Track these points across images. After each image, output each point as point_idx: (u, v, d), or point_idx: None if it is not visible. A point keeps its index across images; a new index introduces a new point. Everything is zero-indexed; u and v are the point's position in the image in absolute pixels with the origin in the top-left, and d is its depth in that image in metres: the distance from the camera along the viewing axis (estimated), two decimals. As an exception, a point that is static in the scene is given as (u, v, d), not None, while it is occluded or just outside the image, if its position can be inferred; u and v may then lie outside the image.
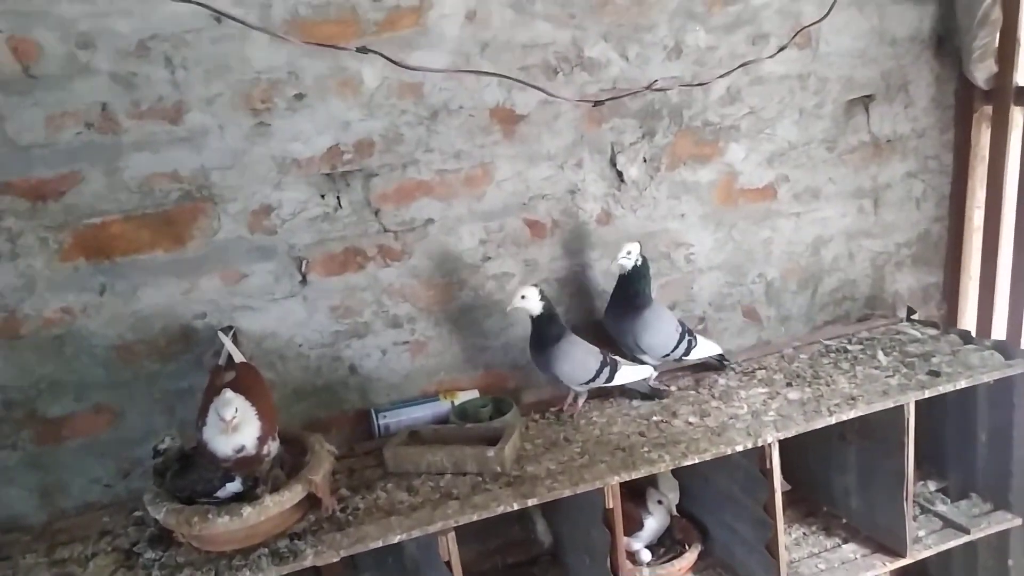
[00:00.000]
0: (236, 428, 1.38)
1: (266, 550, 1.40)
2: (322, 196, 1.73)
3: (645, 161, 1.95)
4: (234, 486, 1.42)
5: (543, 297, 1.74)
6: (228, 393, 1.40)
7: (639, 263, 1.82)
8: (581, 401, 1.85)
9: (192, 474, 1.42)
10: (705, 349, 1.94)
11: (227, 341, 1.58)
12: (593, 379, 1.80)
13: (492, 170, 1.84)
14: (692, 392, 1.88)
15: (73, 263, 1.59)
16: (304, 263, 1.75)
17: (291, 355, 1.79)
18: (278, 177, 1.69)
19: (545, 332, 1.77)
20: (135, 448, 1.71)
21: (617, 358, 1.85)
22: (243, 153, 1.65)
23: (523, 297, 1.72)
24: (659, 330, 1.87)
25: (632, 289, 1.85)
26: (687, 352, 1.90)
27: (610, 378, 1.81)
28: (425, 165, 1.79)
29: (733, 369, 1.97)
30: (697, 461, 1.60)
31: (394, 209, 1.79)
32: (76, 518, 1.65)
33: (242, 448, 1.40)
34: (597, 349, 1.83)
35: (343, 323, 1.81)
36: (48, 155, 1.54)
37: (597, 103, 1.79)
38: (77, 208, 1.57)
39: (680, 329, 1.89)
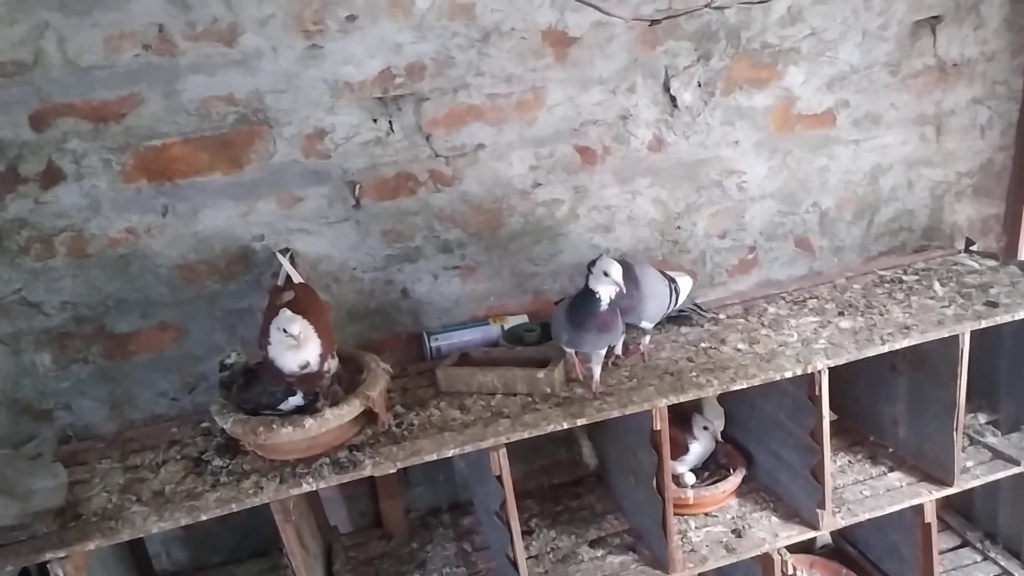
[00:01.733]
0: (301, 344, 1.43)
1: (327, 459, 1.47)
2: (374, 120, 1.74)
3: (699, 85, 1.91)
4: (296, 400, 1.47)
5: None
6: (289, 312, 1.44)
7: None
8: (647, 341, 1.74)
9: (256, 388, 1.48)
10: (684, 284, 1.79)
11: (285, 262, 1.62)
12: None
13: (543, 95, 1.82)
14: (741, 320, 1.88)
15: (136, 184, 1.63)
16: (357, 187, 1.77)
17: (345, 278, 1.83)
18: (331, 101, 1.70)
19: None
20: (199, 364, 1.79)
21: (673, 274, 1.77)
22: (296, 76, 1.66)
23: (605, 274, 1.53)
24: (656, 291, 1.70)
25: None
26: (675, 300, 1.76)
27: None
28: (476, 89, 1.77)
29: (715, 318, 1.93)
30: (745, 386, 1.61)
31: (445, 134, 1.79)
32: (145, 428, 1.74)
33: (306, 364, 1.45)
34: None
35: (395, 247, 1.84)
36: (108, 77, 1.56)
37: (653, 22, 1.75)
38: (137, 130, 1.60)
39: (665, 280, 1.74)
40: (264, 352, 1.46)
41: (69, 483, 1.47)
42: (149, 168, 1.63)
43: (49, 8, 1.49)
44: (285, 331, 1.42)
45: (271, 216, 1.74)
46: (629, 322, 1.68)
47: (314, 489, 1.44)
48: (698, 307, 1.93)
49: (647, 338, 1.75)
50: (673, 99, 1.90)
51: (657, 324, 1.77)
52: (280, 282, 1.62)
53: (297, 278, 1.61)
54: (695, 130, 1.94)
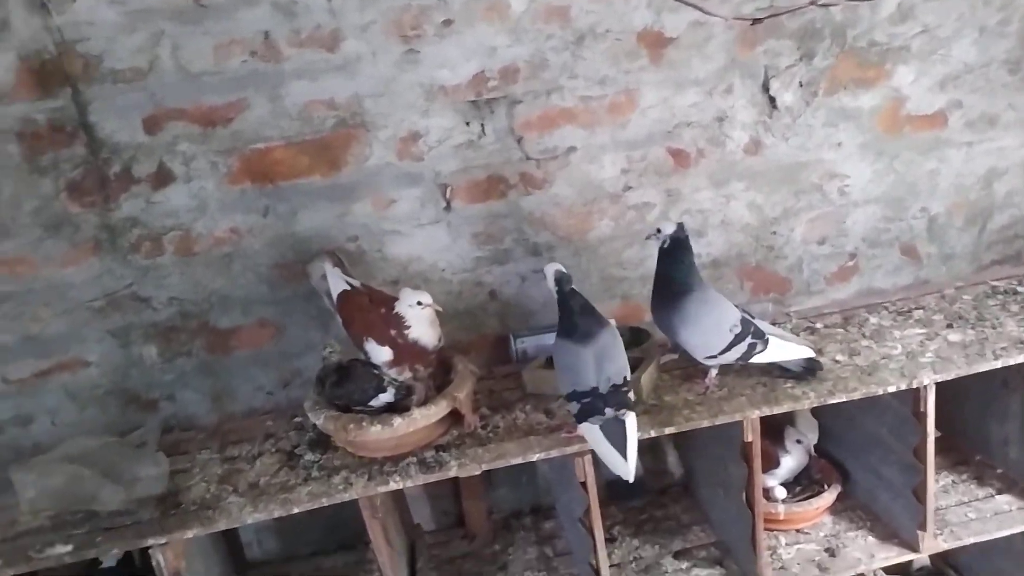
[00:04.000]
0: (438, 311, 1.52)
1: (414, 459, 1.49)
2: (467, 123, 1.75)
3: (801, 86, 1.84)
4: (386, 396, 1.51)
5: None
6: (408, 288, 1.55)
7: (679, 238, 1.55)
8: (713, 375, 1.62)
9: (349, 384, 1.52)
10: (780, 352, 1.57)
11: (336, 273, 1.63)
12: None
13: (637, 97, 1.79)
14: (840, 330, 1.81)
15: (240, 186, 1.70)
16: (449, 190, 1.79)
17: (435, 279, 1.85)
18: (426, 104, 1.72)
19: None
20: (294, 360, 1.84)
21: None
22: (393, 80, 1.69)
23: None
24: (701, 326, 1.56)
25: (668, 272, 1.58)
26: (746, 356, 1.56)
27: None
28: (569, 92, 1.76)
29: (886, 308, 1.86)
30: (845, 400, 1.55)
31: (537, 136, 1.79)
32: (243, 421, 1.81)
33: (441, 337, 1.54)
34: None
35: (484, 249, 1.85)
36: (217, 83, 1.63)
37: (754, 21, 1.69)
38: (243, 134, 1.67)
39: (736, 326, 1.55)
40: (403, 339, 1.51)
41: (171, 472, 1.54)
42: (253, 170, 1.69)
43: (165, 17, 1.57)
44: (420, 303, 1.49)
45: (365, 218, 1.77)
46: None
47: (401, 488, 1.46)
48: (814, 362, 1.61)
49: (712, 371, 1.64)
50: (772, 100, 1.84)
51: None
52: (341, 289, 1.61)
53: (355, 281, 1.63)
54: (795, 132, 1.88)
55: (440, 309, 1.55)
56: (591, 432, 1.41)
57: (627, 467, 1.37)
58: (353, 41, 1.64)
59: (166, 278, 1.73)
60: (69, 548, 1.37)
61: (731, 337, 1.56)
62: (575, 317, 1.46)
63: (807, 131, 1.89)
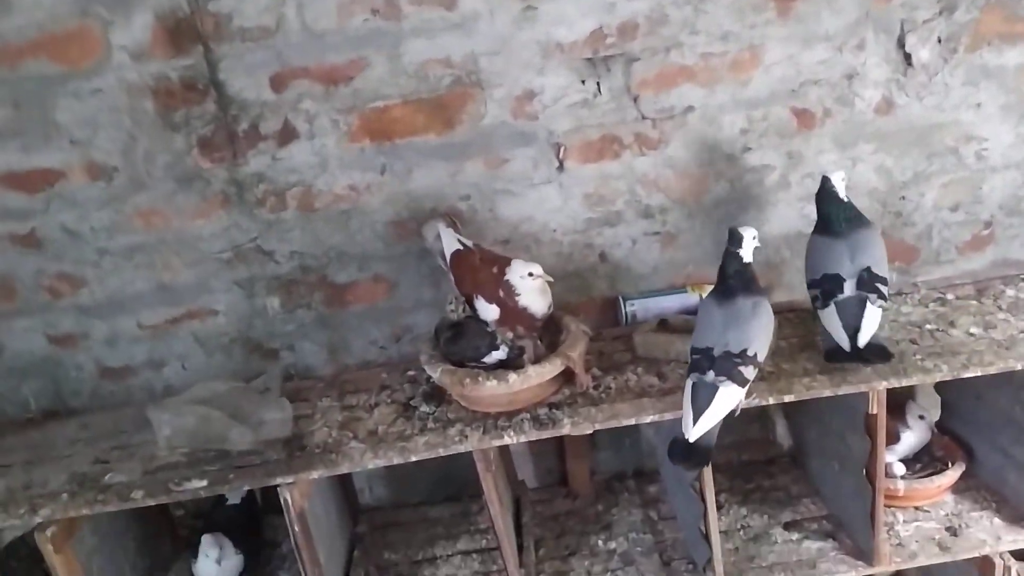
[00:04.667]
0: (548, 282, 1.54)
1: (527, 415, 1.50)
2: (582, 82, 1.73)
3: (940, 41, 1.73)
4: (499, 354, 1.52)
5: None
6: (519, 260, 1.55)
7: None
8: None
9: (463, 340, 1.54)
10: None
11: (449, 233, 1.65)
12: None
13: (761, 53, 1.72)
14: (973, 302, 1.71)
15: (359, 144, 1.73)
16: (561, 149, 1.77)
17: (545, 240, 1.85)
18: (541, 62, 1.70)
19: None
20: (406, 316, 1.89)
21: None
22: (510, 38, 1.67)
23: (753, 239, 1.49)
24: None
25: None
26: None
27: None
28: (689, 48, 1.71)
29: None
30: (980, 374, 1.47)
31: (654, 96, 1.74)
32: (358, 372, 1.87)
33: (551, 305, 1.56)
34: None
35: (596, 211, 1.83)
36: (339, 41, 1.66)
37: (895, -29, 1.60)
38: (363, 92, 1.69)
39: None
40: (512, 304, 1.54)
41: (294, 417, 1.61)
42: (372, 128, 1.72)
43: (292, -23, 1.60)
44: (531, 274, 1.51)
45: (478, 177, 1.78)
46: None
47: (515, 442, 1.48)
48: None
49: None
50: (908, 57, 1.73)
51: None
52: (455, 248, 1.64)
53: (467, 241, 1.65)
54: (931, 91, 1.76)
55: (551, 280, 1.55)
56: (686, 389, 1.40)
57: (690, 430, 1.35)
58: (472, -1, 1.64)
59: (288, 232, 1.79)
60: (204, 483, 1.46)
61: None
62: (724, 277, 1.48)
63: (944, 90, 1.77)
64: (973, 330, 1.59)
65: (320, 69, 1.68)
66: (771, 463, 2.01)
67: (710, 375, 1.37)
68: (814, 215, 1.84)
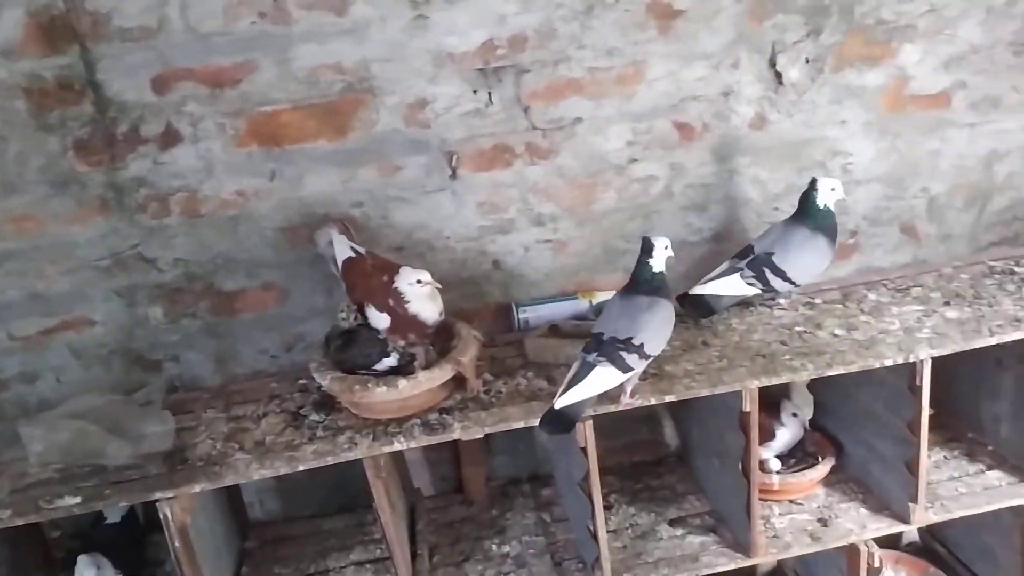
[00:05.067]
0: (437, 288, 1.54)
1: (418, 421, 1.51)
2: (474, 91, 1.75)
3: (808, 62, 1.85)
4: (390, 361, 1.53)
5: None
6: (408, 267, 1.55)
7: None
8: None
9: (354, 348, 1.54)
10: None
11: (342, 240, 1.64)
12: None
13: (644, 69, 1.80)
14: (839, 306, 1.83)
15: (247, 149, 1.70)
16: (454, 157, 1.79)
17: (439, 247, 1.86)
18: (433, 71, 1.72)
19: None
20: (298, 324, 1.86)
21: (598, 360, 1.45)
22: (402, 46, 1.69)
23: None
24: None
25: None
26: None
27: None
28: (577, 62, 1.76)
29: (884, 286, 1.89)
30: (843, 372, 1.57)
31: (544, 107, 1.79)
32: (247, 382, 1.83)
33: (442, 311, 1.56)
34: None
35: (489, 218, 1.86)
36: (225, 44, 1.62)
37: (764, -5, 1.70)
38: (251, 96, 1.67)
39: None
40: (402, 312, 1.53)
41: (177, 430, 1.56)
42: (260, 133, 1.69)
43: (174, -24, 1.56)
44: (419, 282, 1.51)
45: (371, 184, 1.78)
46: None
47: (405, 448, 1.49)
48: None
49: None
50: (779, 76, 1.85)
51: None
52: (346, 256, 1.63)
53: (360, 248, 1.65)
54: (800, 108, 1.88)
55: (440, 287, 1.56)
56: (574, 364, 1.47)
57: (558, 397, 1.42)
58: (362, 5, 1.64)
59: (172, 239, 1.74)
60: (78, 500, 1.40)
61: None
62: (635, 280, 1.56)
63: (812, 108, 1.89)
64: (837, 332, 1.70)
65: (205, 71, 1.64)
66: (659, 463, 2.09)
67: (593, 356, 1.45)
68: (697, 223, 1.95)
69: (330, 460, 1.45)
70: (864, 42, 1.86)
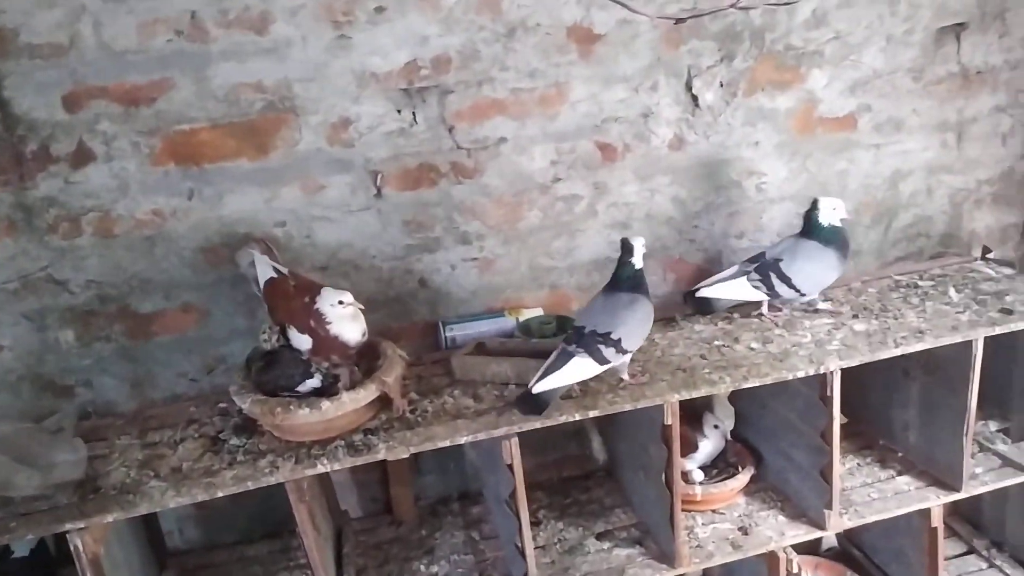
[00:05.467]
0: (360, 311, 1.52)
1: (342, 442, 1.49)
2: (398, 111, 1.76)
3: (722, 86, 1.92)
4: (313, 382, 1.51)
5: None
6: (329, 287, 1.54)
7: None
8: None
9: (275, 369, 1.51)
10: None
11: (264, 260, 1.62)
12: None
13: (566, 90, 1.84)
14: (755, 320, 1.89)
15: (164, 168, 1.67)
16: (379, 177, 1.79)
17: (365, 266, 1.85)
18: (357, 91, 1.72)
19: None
20: (219, 347, 1.82)
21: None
22: (324, 66, 1.68)
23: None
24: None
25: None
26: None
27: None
28: (500, 83, 1.79)
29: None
30: (757, 384, 1.62)
31: (468, 127, 1.81)
32: (164, 407, 1.77)
33: (365, 332, 1.54)
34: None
35: (415, 237, 1.86)
36: (141, 61, 1.60)
37: (677, 21, 1.76)
38: (168, 114, 1.64)
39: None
40: (324, 333, 1.51)
41: (89, 457, 1.51)
42: (177, 152, 1.66)
43: (86, -8, 1.53)
44: (341, 303, 1.50)
45: (294, 203, 1.76)
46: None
47: (329, 470, 1.47)
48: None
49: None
50: (695, 98, 1.91)
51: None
52: (268, 276, 1.61)
53: (283, 268, 1.63)
54: (716, 130, 1.95)
55: (362, 308, 1.55)
56: (554, 352, 1.55)
57: (536, 382, 1.49)
58: (283, 24, 1.63)
59: (84, 260, 1.68)
60: (-20, 534, 1.33)
61: None
62: (616, 278, 1.64)
63: (727, 129, 1.97)
64: (754, 345, 1.76)
65: (119, 89, 1.60)
66: (588, 477, 2.11)
67: (572, 347, 1.54)
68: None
69: (251, 485, 1.42)
70: (775, 67, 1.94)
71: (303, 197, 1.76)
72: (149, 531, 1.78)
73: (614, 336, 1.55)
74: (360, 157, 1.77)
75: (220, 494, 1.41)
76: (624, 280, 1.63)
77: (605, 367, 1.55)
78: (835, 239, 1.82)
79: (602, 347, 1.53)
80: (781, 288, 1.80)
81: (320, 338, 1.52)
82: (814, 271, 1.82)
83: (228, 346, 1.82)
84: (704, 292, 1.82)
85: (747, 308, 1.91)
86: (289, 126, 1.70)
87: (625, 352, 1.58)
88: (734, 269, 1.85)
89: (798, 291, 1.81)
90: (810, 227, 1.83)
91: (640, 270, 1.63)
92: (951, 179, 2.18)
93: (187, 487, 1.42)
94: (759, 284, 1.80)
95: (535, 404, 1.50)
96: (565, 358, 1.52)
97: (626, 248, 1.64)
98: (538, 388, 1.49)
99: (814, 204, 1.82)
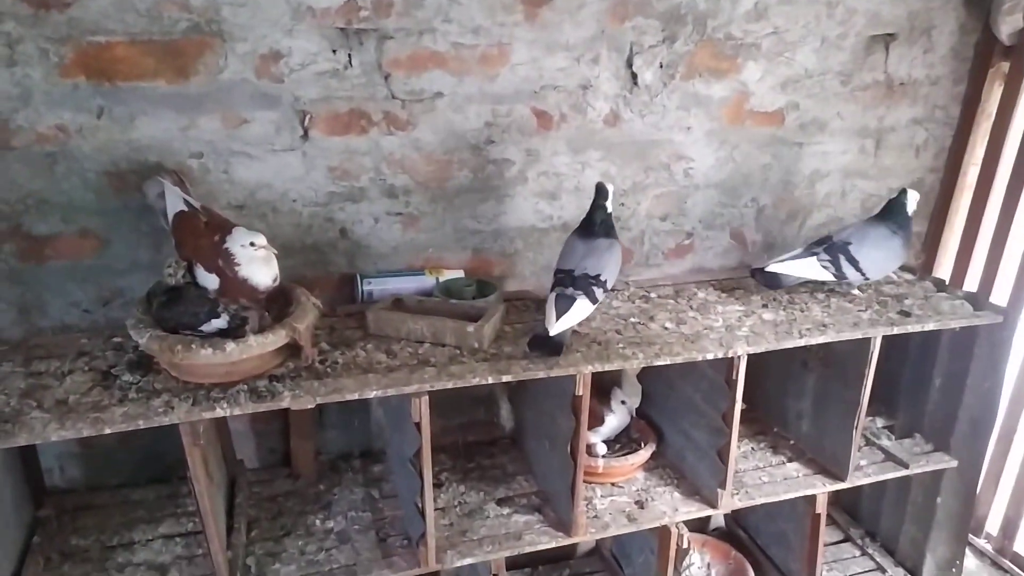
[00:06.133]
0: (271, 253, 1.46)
1: (245, 387, 1.43)
2: (333, 51, 1.69)
3: (662, 67, 1.93)
4: (219, 322, 1.44)
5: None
6: (242, 227, 1.46)
7: None
8: None
9: (179, 306, 1.44)
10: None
11: (175, 191, 1.55)
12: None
13: (509, 52, 1.80)
14: (671, 301, 1.93)
15: (73, 80, 1.55)
16: (307, 117, 1.72)
17: (284, 209, 1.78)
18: (291, 23, 1.64)
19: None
20: (117, 278, 1.72)
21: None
22: (258, -8, 1.60)
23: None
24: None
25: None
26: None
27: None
28: (442, 36, 1.74)
29: (712, 285, 2.03)
30: (669, 362, 1.65)
31: (405, 76, 1.75)
32: (53, 337, 1.67)
33: (277, 277, 1.48)
34: None
35: (339, 185, 1.80)
36: (55, -39, 1.47)
37: (626, -6, 1.75)
38: (82, 23, 1.51)
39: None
40: (232, 274, 1.44)
41: (-36, 382, 1.40)
42: (89, 65, 1.54)
43: None
44: (253, 244, 1.43)
45: (213, 134, 1.67)
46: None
47: (228, 415, 1.41)
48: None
49: None
50: (634, 76, 1.91)
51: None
52: (173, 209, 1.53)
53: (195, 203, 1.55)
54: (651, 110, 1.96)
55: (276, 252, 1.48)
56: (550, 298, 1.63)
57: (552, 325, 1.58)
58: (217, -60, 1.53)
59: (-26, 171, 1.55)
60: None
61: None
62: (591, 222, 1.73)
63: (662, 111, 1.98)
64: (668, 325, 1.79)
65: (29, -12, 1.47)
66: (493, 444, 2.11)
67: (570, 290, 1.63)
68: (548, 211, 1.98)
69: (142, 424, 1.35)
70: (713, 55, 1.96)
71: (223, 129, 1.67)
72: (26, 466, 1.68)
73: (602, 278, 1.67)
74: (289, 94, 1.69)
75: (108, 431, 1.33)
76: (599, 224, 1.73)
77: (595, 306, 1.66)
78: (906, 229, 1.92)
79: (595, 288, 1.65)
80: (849, 271, 1.87)
81: (228, 279, 1.45)
82: (881, 257, 1.91)
83: (127, 279, 1.72)
84: (773, 267, 1.87)
85: (811, 286, 1.99)
86: (214, 51, 1.61)
87: (608, 291, 1.71)
88: (800, 249, 1.92)
89: (864, 275, 1.89)
90: (890, 213, 1.92)
91: (611, 214, 1.74)
92: (865, 184, 2.27)
93: (72, 421, 1.33)
94: (828, 264, 1.87)
95: (553, 346, 1.60)
96: (569, 302, 1.60)
97: (600, 192, 1.73)
98: (555, 330, 1.57)
99: (903, 193, 1.91)
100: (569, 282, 1.64)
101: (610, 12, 1.83)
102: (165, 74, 1.60)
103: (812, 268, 1.87)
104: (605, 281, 1.67)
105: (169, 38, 1.57)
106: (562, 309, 1.59)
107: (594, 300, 1.64)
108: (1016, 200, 2.15)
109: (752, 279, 1.97)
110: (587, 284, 1.64)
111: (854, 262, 1.87)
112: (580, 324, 1.76)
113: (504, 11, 1.76)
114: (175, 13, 1.56)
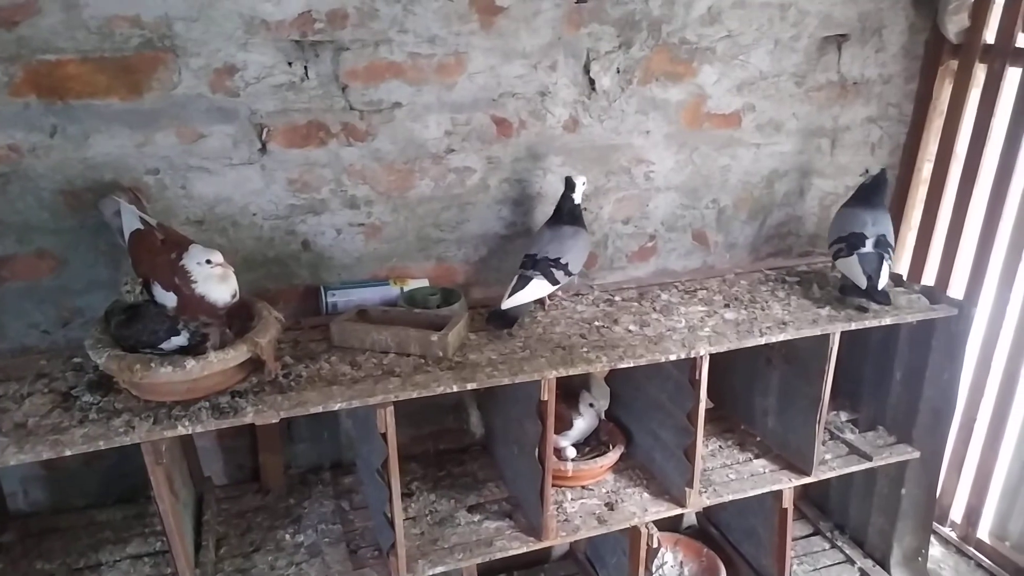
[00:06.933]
0: (229, 271, 1.45)
1: (207, 404, 1.43)
2: (289, 64, 1.69)
3: (619, 72, 1.95)
4: (179, 340, 1.43)
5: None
6: (199, 245, 1.45)
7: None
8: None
9: (138, 324, 1.43)
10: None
11: (131, 210, 1.52)
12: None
13: (465, 61, 1.81)
14: (635, 304, 1.95)
15: (24, 99, 1.53)
16: (265, 131, 1.72)
17: (244, 223, 1.77)
18: (245, 37, 1.63)
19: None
20: (76, 298, 1.70)
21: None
22: (209, 6, 1.59)
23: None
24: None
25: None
26: None
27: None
28: (398, 46, 1.75)
29: (676, 287, 2.05)
30: (632, 365, 1.67)
31: (362, 87, 1.76)
32: (12, 359, 1.64)
33: (235, 293, 1.47)
34: None
35: (300, 197, 1.80)
36: (2, -20, 1.46)
37: (579, 1, 1.77)
38: (31, 41, 1.50)
39: None
40: (189, 292, 1.43)
41: (-81, 409, 1.38)
42: (40, 84, 1.53)
43: None
44: (209, 262, 1.42)
45: (169, 150, 1.66)
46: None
47: (190, 432, 1.40)
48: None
49: None
50: (592, 82, 1.93)
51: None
52: (129, 227, 1.51)
53: (151, 220, 1.54)
54: (610, 115, 1.98)
55: (231, 269, 1.47)
56: (514, 277, 1.77)
57: (505, 300, 1.73)
58: (167, -44, 1.53)
59: (-76, 193, 1.53)
60: None
61: None
62: (558, 211, 1.87)
63: (621, 116, 2.00)
64: (631, 327, 1.81)
65: (-24, 8, 1.46)
66: (464, 451, 2.11)
67: (530, 271, 1.76)
68: (511, 217, 1.99)
69: (102, 445, 1.33)
70: (669, 59, 1.99)
71: (179, 145, 1.66)
72: (-14, 492, 1.65)
73: (563, 261, 1.78)
74: (245, 108, 1.68)
75: (68, 452, 1.32)
76: (566, 213, 1.85)
77: (556, 287, 1.79)
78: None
79: (554, 270, 1.77)
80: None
81: (185, 296, 1.44)
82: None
83: (86, 298, 1.70)
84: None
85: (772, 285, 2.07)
86: (167, 67, 1.60)
87: (570, 274, 1.82)
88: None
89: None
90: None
91: (579, 205, 1.86)
92: (822, 183, 2.31)
93: (31, 444, 1.32)
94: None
95: (506, 319, 1.74)
96: (525, 280, 1.74)
97: (569, 185, 1.85)
98: (507, 304, 1.72)
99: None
100: (531, 265, 1.77)
101: (566, 19, 1.85)
102: (118, 91, 1.58)
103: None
104: (567, 264, 1.79)
105: (121, 55, 1.56)
106: (518, 287, 1.74)
107: (553, 281, 1.77)
108: (968, 194, 2.20)
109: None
110: (547, 266, 1.77)
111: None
112: (545, 329, 1.78)
113: (459, 20, 1.77)
114: (127, 29, 1.55)
